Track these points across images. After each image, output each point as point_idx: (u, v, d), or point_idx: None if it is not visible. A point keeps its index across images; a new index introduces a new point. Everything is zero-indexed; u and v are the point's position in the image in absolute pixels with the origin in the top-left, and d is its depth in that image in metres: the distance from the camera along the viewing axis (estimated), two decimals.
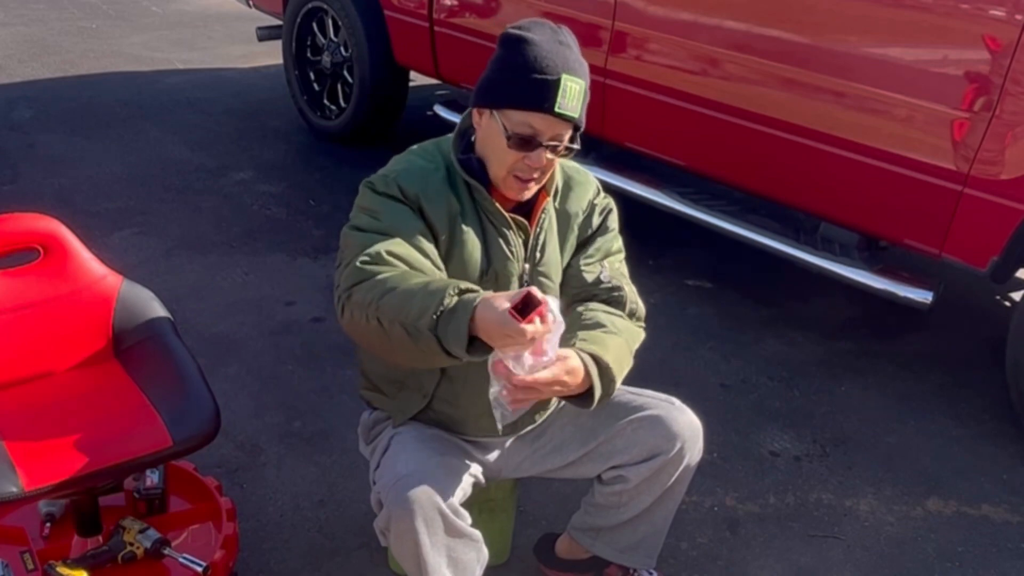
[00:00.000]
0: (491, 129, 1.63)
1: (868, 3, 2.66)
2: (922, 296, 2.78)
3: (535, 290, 1.39)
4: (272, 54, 5.22)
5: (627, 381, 1.75)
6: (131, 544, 1.92)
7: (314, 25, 4.53)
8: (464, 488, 1.68)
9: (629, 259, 1.87)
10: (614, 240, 1.86)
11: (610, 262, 1.83)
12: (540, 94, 1.56)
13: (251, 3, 5.08)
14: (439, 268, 1.64)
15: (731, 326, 3.20)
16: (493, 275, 1.72)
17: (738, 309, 3.31)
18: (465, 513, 1.65)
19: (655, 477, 1.80)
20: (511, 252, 1.72)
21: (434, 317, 1.42)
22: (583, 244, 1.83)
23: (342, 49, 4.40)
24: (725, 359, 3.02)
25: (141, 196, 3.92)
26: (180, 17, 6.90)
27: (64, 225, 1.99)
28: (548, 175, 1.71)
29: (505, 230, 1.71)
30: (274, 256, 3.51)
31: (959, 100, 2.51)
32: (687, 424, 1.79)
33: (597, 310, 1.77)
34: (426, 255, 1.62)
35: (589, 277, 1.80)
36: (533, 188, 1.69)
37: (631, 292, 1.83)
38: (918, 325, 3.24)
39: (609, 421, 1.81)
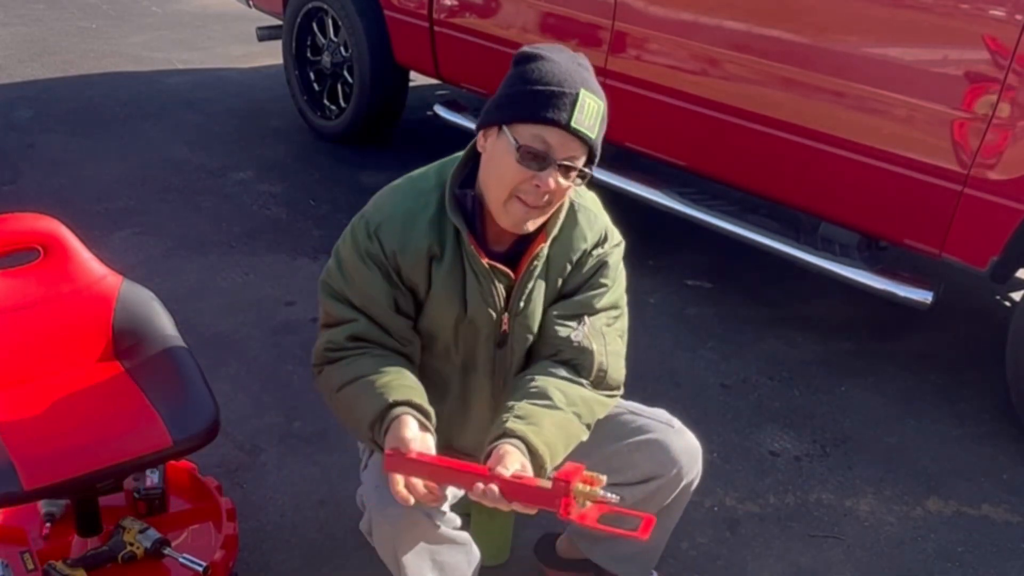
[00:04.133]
0: (498, 147, 1.52)
1: (868, 3, 2.66)
2: (922, 296, 2.78)
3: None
4: (272, 54, 5.21)
5: (626, 384, 1.74)
6: (131, 544, 1.92)
7: (314, 25, 4.52)
8: (452, 492, 1.64)
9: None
10: (604, 296, 1.69)
11: (594, 320, 1.68)
12: (555, 106, 1.46)
13: (251, 3, 5.08)
14: (407, 341, 1.64)
15: (731, 326, 3.20)
16: (470, 323, 1.65)
17: (738, 309, 3.31)
18: (452, 516, 1.63)
19: (651, 498, 1.75)
20: (489, 302, 1.63)
21: (370, 431, 1.54)
22: (566, 296, 1.69)
23: (342, 49, 4.40)
24: (725, 359, 3.01)
25: (141, 196, 3.92)
26: (180, 17, 6.89)
27: (64, 225, 1.99)
28: (555, 207, 1.58)
29: (484, 280, 1.62)
30: (274, 256, 3.50)
31: (959, 100, 2.51)
32: (684, 449, 1.74)
33: (551, 375, 1.64)
34: (389, 332, 1.62)
35: (562, 332, 1.66)
36: (537, 219, 1.57)
37: (605, 355, 1.67)
38: (918, 325, 3.24)
39: (605, 442, 1.72)
